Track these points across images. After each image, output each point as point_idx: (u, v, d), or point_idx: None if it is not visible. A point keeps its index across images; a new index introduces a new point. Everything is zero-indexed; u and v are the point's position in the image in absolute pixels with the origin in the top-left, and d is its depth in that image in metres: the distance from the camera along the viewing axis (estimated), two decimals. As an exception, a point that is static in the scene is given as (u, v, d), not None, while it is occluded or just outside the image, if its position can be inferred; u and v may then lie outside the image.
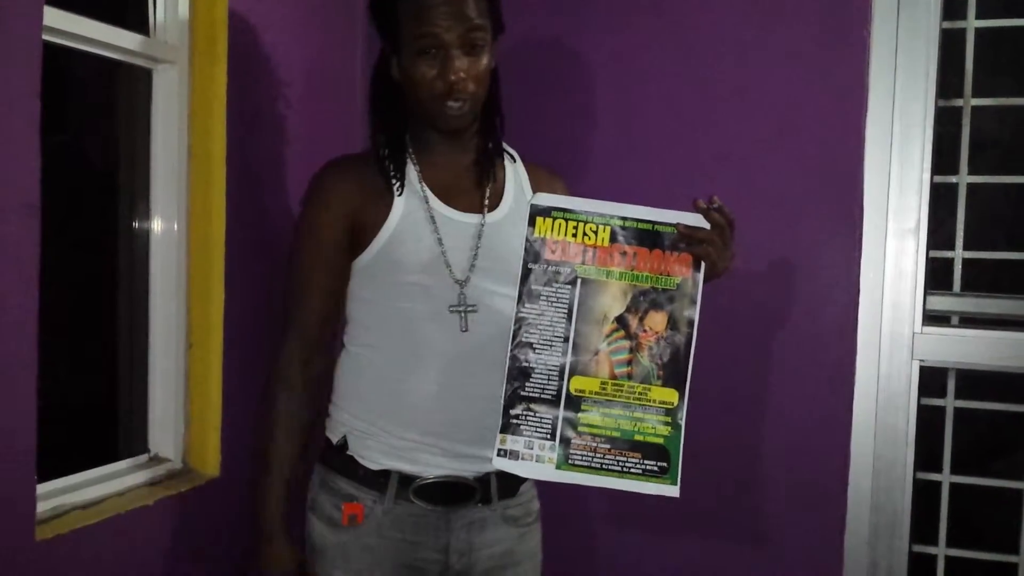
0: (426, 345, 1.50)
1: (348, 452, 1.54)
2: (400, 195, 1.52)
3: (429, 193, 1.53)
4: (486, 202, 1.56)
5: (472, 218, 1.54)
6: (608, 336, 1.41)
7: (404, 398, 1.51)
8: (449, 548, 1.53)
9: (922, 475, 2.17)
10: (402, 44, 1.49)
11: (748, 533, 2.18)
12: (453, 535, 1.53)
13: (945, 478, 2.20)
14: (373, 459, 1.52)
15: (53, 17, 1.49)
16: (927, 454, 2.17)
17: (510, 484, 1.57)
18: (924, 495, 2.16)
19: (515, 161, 1.64)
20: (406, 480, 1.50)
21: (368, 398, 1.54)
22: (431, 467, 1.51)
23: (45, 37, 1.42)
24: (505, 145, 1.64)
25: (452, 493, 1.52)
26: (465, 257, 1.51)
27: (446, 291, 1.50)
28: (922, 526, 2.16)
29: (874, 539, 2.09)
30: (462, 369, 1.50)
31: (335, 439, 1.56)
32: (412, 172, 1.55)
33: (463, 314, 1.49)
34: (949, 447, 2.20)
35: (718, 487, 2.17)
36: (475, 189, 1.57)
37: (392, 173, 1.53)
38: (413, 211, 1.52)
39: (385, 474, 1.51)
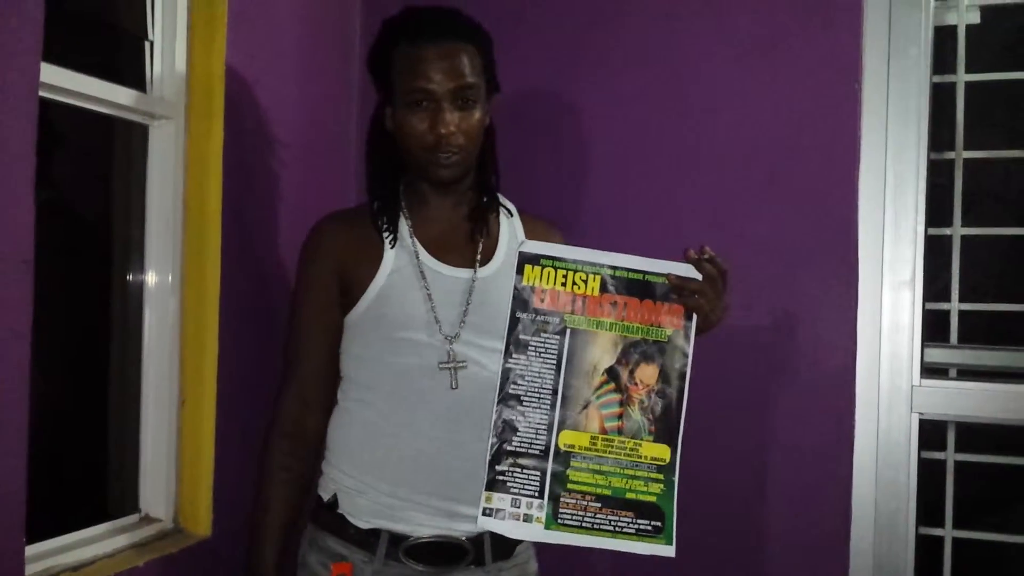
0: (417, 401, 1.48)
1: (338, 510, 1.51)
2: (392, 249, 1.52)
3: (420, 247, 1.53)
4: (478, 257, 1.55)
5: (463, 273, 1.53)
6: (598, 389, 1.38)
7: (395, 455, 1.48)
8: (441, 611, 1.50)
9: (924, 530, 2.14)
10: (396, 96, 1.50)
11: (749, 591, 2.14)
12: (445, 598, 1.50)
13: (948, 533, 2.18)
14: (363, 517, 1.49)
15: (50, 74, 1.50)
16: (929, 508, 2.14)
17: (505, 545, 1.53)
18: (927, 550, 2.13)
19: (512, 215, 1.64)
20: (396, 539, 1.47)
21: (359, 455, 1.51)
22: (422, 526, 1.48)
23: (42, 93, 1.43)
24: (503, 199, 1.64)
25: (444, 554, 1.49)
26: (455, 313, 1.50)
27: (436, 347, 1.48)
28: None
29: (878, 596, 2.06)
30: (453, 426, 1.47)
31: (326, 496, 1.53)
32: (404, 226, 1.55)
33: (452, 371, 1.48)
34: (951, 501, 2.18)
35: (719, 545, 2.14)
36: (468, 244, 1.56)
37: (384, 227, 1.53)
38: (403, 266, 1.51)
39: (375, 533, 1.48)
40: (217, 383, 1.85)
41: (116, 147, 1.94)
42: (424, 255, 1.52)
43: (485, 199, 1.60)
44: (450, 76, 1.46)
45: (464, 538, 1.49)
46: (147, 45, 1.83)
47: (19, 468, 1.38)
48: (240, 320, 1.89)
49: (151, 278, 1.85)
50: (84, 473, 1.99)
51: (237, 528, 1.84)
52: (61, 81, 1.56)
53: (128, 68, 1.82)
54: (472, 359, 1.49)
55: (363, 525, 1.49)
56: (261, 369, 1.93)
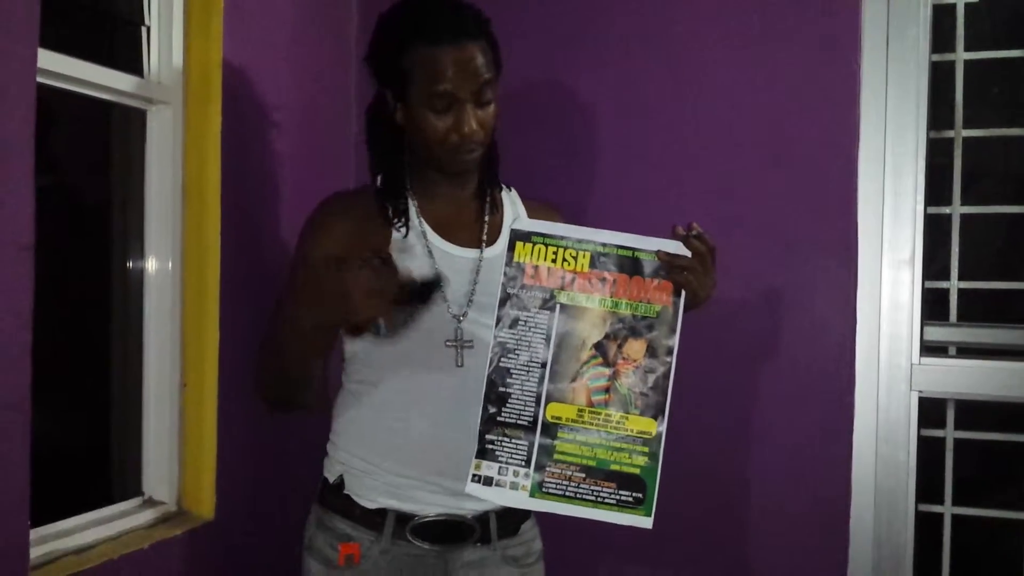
0: (424, 381, 1.49)
1: (345, 491, 1.51)
2: (399, 228, 1.52)
3: (427, 228, 1.53)
4: (484, 237, 1.55)
5: (470, 252, 1.53)
6: (586, 363, 1.39)
7: (402, 435, 1.49)
8: (448, 589, 1.51)
9: (924, 507, 2.15)
10: (410, 96, 1.47)
11: (751, 568, 2.15)
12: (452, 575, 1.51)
13: (947, 510, 2.18)
14: (370, 497, 1.50)
15: (47, 59, 1.50)
16: (928, 486, 2.15)
17: (510, 523, 1.54)
18: (927, 527, 2.14)
19: (511, 193, 1.64)
20: (403, 519, 1.48)
21: (366, 435, 1.52)
22: (429, 505, 1.49)
23: (39, 79, 1.43)
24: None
25: (450, 532, 1.50)
26: (463, 292, 1.51)
27: (443, 326, 1.49)
28: (926, 559, 2.14)
29: (878, 573, 2.07)
30: (460, 405, 1.47)
31: (332, 478, 1.54)
32: (411, 207, 1.54)
33: (459, 349, 1.48)
34: (950, 478, 2.19)
35: (719, 522, 2.15)
36: (474, 224, 1.57)
37: (392, 209, 1.53)
38: (411, 245, 1.51)
39: (382, 513, 1.49)
40: (218, 366, 1.85)
41: (114, 133, 1.94)
42: (432, 235, 1.52)
43: (488, 178, 1.60)
44: (472, 78, 1.44)
45: (470, 516, 1.50)
46: (144, 31, 1.83)
47: (23, 452, 1.39)
48: (240, 303, 1.90)
49: (151, 263, 1.85)
50: (87, 457, 2.00)
51: (240, 510, 1.86)
52: (59, 67, 1.56)
53: (125, 54, 1.82)
54: (479, 338, 1.48)
55: (370, 505, 1.49)
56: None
